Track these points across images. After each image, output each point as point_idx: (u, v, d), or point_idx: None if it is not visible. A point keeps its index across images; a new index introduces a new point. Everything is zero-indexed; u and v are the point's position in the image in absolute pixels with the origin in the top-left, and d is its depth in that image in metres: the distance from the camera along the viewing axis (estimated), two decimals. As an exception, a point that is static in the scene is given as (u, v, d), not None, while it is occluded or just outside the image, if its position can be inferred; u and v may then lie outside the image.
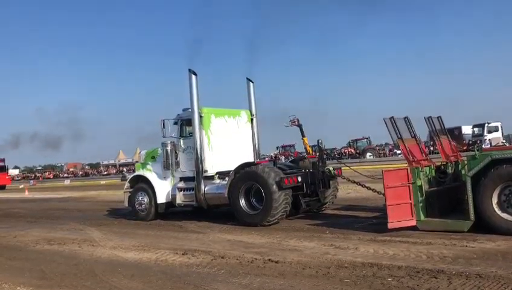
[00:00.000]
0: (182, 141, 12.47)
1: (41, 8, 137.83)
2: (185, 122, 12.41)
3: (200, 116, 11.84)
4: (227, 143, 12.34)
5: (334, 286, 5.60)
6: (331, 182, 11.38)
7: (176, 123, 12.58)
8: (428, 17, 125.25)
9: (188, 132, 12.39)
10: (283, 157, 43.25)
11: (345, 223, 9.94)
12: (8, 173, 54.62)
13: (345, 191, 15.13)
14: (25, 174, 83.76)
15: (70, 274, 7.18)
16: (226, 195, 11.05)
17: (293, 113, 34.88)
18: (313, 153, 22.61)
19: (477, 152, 7.97)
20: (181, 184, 12.38)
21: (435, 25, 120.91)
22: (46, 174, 77.76)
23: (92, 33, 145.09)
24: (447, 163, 9.68)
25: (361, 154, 44.97)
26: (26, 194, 32.71)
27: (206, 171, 11.81)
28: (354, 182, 11.06)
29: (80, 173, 75.92)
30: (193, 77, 11.77)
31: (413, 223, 8.18)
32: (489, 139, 36.23)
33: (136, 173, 13.66)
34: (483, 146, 27.58)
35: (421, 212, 8.20)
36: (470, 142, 35.91)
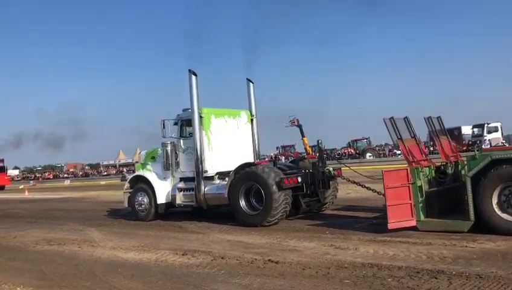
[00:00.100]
0: (182, 141, 12.47)
1: (42, 8, 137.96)
2: (185, 123, 12.42)
3: (200, 117, 11.84)
4: (227, 143, 12.34)
5: (334, 287, 5.60)
6: (330, 182, 11.38)
7: (176, 123, 12.58)
8: (428, 18, 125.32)
9: (188, 132, 12.39)
10: (283, 157, 43.24)
11: (345, 223, 9.93)
12: (7, 173, 54.56)
13: (345, 192, 15.13)
14: (24, 175, 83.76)
15: (70, 275, 7.18)
16: (226, 195, 11.05)
17: (293, 113, 34.89)
18: (313, 154, 22.60)
19: (477, 152, 7.97)
20: (181, 184, 12.38)
21: (435, 25, 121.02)
22: (46, 174, 77.77)
23: (92, 33, 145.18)
24: (446, 163, 9.68)
25: (361, 154, 45.00)
26: (26, 195, 32.69)
27: (206, 171, 11.81)
28: (354, 182, 11.06)
29: (80, 173, 75.96)
30: (193, 77, 11.78)
31: (413, 223, 8.18)
32: (489, 140, 36.25)
33: (136, 173, 13.66)
34: (483, 146, 27.59)
35: (421, 213, 8.20)
36: (470, 142, 35.92)
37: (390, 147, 45.47)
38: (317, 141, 12.72)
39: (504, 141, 37.51)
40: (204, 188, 11.69)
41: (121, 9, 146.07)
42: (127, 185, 13.67)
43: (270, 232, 9.64)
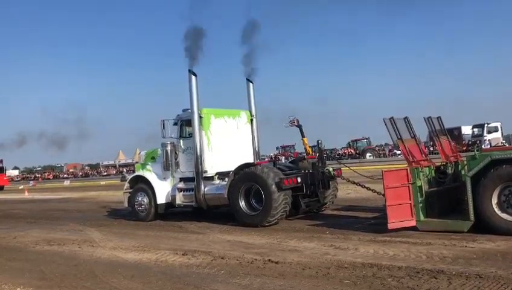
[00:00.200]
0: (181, 141, 12.46)
1: (42, 8, 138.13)
2: (184, 123, 12.41)
3: (200, 117, 11.84)
4: (227, 144, 12.33)
5: (334, 287, 5.60)
6: (330, 182, 11.37)
7: (175, 124, 12.58)
8: (429, 18, 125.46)
9: (187, 133, 12.39)
10: (283, 157, 43.26)
11: (345, 223, 9.94)
12: (5, 174, 54.48)
13: (345, 192, 15.13)
14: (24, 175, 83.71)
15: (70, 275, 7.17)
16: (226, 196, 11.04)
17: (292, 113, 34.90)
18: (313, 154, 22.60)
19: (476, 152, 7.97)
20: (181, 185, 12.38)
21: (435, 25, 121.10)
22: (46, 175, 77.71)
23: (92, 33, 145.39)
24: (446, 163, 9.68)
25: (361, 154, 45.00)
26: (26, 195, 32.68)
27: (205, 171, 11.81)
28: (354, 182, 11.05)
29: (80, 173, 75.92)
30: (193, 77, 11.78)
31: (413, 223, 8.18)
32: (489, 140, 36.24)
33: (136, 173, 13.65)
34: (482, 146, 27.60)
35: (420, 213, 8.20)
36: (470, 142, 35.90)
37: (390, 147, 45.48)
38: (317, 141, 12.73)
39: (504, 141, 37.51)
40: (204, 188, 11.69)
41: (121, 10, 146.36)
42: (126, 185, 13.67)
43: (270, 232, 9.64)
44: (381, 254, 6.98)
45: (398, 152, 34.23)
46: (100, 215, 15.34)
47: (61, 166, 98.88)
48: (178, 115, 12.59)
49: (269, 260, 7.08)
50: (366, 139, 48.99)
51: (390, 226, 8.17)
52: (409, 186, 8.17)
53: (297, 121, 36.28)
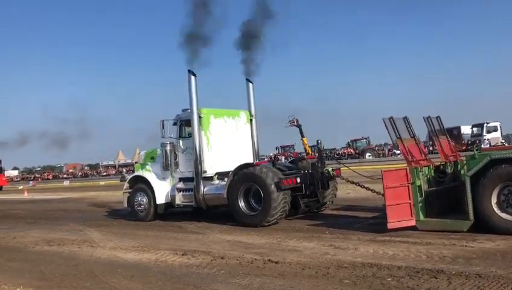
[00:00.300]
0: (181, 141, 12.45)
1: (42, 8, 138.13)
2: (184, 123, 12.40)
3: (199, 117, 11.83)
4: (227, 144, 12.33)
5: (333, 286, 5.60)
6: (330, 182, 11.37)
7: (175, 124, 12.57)
8: (429, 18, 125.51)
9: (187, 133, 12.38)
10: (283, 157, 43.28)
11: (345, 223, 9.93)
12: (4, 174, 54.41)
13: (345, 191, 15.12)
14: (24, 175, 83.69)
15: (70, 275, 7.17)
16: (225, 196, 11.04)
17: (292, 113, 34.91)
18: (313, 154, 22.61)
19: (476, 152, 7.97)
20: (180, 185, 12.38)
21: (436, 25, 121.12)
22: (45, 175, 77.68)
23: (92, 33, 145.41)
24: (446, 163, 9.68)
25: (360, 154, 45.02)
26: (26, 195, 32.65)
27: (205, 171, 11.81)
28: (353, 182, 11.05)
29: (79, 173, 75.93)
30: (192, 77, 11.78)
31: (412, 223, 8.18)
32: (488, 139, 36.27)
33: (136, 173, 13.64)
34: (482, 146, 27.60)
35: (420, 212, 8.20)
36: (469, 142, 35.93)
37: (389, 147, 45.48)
38: (317, 141, 12.73)
39: (503, 141, 37.54)
40: (204, 188, 11.68)
41: (121, 10, 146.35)
42: (126, 185, 13.66)
43: (269, 232, 9.64)
44: (381, 254, 6.99)
45: (398, 152, 34.23)
46: (100, 215, 15.33)
47: (60, 166, 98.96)
48: (177, 115, 12.59)
49: (269, 259, 7.08)
50: (366, 139, 49.00)
51: (389, 225, 8.17)
52: (408, 186, 8.17)
53: (297, 121, 36.32)
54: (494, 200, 7.53)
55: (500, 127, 39.26)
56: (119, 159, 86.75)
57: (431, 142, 30.05)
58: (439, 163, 9.65)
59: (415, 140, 9.32)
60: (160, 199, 12.53)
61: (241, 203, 10.76)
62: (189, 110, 11.90)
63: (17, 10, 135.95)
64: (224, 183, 11.31)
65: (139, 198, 12.85)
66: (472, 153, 8.05)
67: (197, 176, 11.72)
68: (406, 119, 9.32)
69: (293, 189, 10.58)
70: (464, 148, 32.08)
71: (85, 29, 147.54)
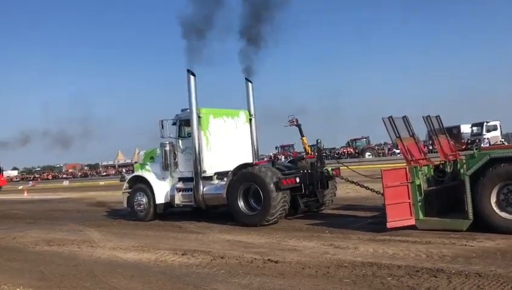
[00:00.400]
0: (180, 141, 12.45)
1: (42, 8, 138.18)
2: (183, 123, 12.40)
3: (199, 117, 11.83)
4: (226, 143, 12.33)
5: (333, 286, 5.60)
6: (329, 182, 11.36)
7: (174, 124, 12.57)
8: (434, 16, 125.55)
9: (186, 133, 12.37)
10: (282, 157, 43.28)
11: (344, 222, 9.94)
12: (3, 174, 54.35)
13: (344, 191, 15.13)
14: (23, 176, 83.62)
15: (70, 275, 7.17)
16: (225, 196, 11.04)
17: (295, 112, 34.90)
18: (312, 153, 22.60)
19: (475, 151, 7.97)
20: (180, 185, 12.37)
21: (440, 23, 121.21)
22: (45, 175, 77.62)
23: (92, 33, 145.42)
24: (445, 162, 9.68)
25: (360, 153, 44.99)
26: (25, 196, 32.64)
27: (204, 171, 11.81)
28: (353, 182, 11.03)
29: (79, 173, 75.85)
30: (191, 77, 11.77)
31: (412, 222, 8.19)
32: (488, 138, 36.28)
33: (135, 173, 13.64)
34: (482, 145, 27.60)
35: (420, 212, 8.20)
36: (469, 141, 35.95)
37: (389, 146, 45.45)
38: (316, 140, 12.70)
39: (503, 140, 37.57)
40: (203, 188, 11.68)
41: (121, 10, 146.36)
42: (126, 185, 13.66)
43: (269, 231, 9.64)
44: (381, 253, 6.99)
45: (397, 151, 34.24)
46: (99, 215, 15.32)
47: (60, 166, 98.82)
48: (177, 115, 12.58)
49: (269, 259, 7.08)
50: (366, 138, 48.97)
51: (389, 225, 8.17)
52: (408, 185, 8.17)
53: (297, 121, 36.31)
54: (493, 199, 7.53)
55: (500, 126, 39.29)
56: (119, 159, 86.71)
57: (430, 142, 30.07)
58: (439, 162, 9.65)
59: (414, 139, 9.32)
60: (160, 198, 12.52)
61: (241, 203, 10.76)
62: (188, 110, 11.90)
63: (17, 10, 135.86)
64: (224, 183, 11.31)
65: (139, 198, 12.85)
66: (472, 152, 8.06)
67: (197, 175, 11.71)
68: (405, 119, 9.32)
69: (293, 189, 10.58)
70: (463, 147, 32.08)
71: (85, 29, 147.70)
